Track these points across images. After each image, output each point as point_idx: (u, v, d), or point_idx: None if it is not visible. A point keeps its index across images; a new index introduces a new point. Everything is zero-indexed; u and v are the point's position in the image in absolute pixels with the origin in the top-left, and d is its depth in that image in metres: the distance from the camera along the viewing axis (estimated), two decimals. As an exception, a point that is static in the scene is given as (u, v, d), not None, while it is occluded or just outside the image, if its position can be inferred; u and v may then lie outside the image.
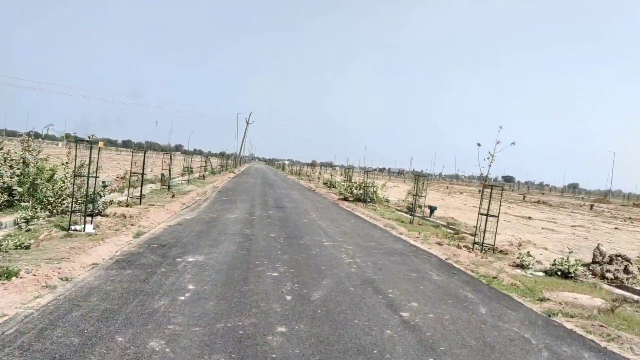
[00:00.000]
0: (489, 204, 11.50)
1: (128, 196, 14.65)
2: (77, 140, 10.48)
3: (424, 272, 8.47)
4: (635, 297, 7.76)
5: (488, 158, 11.56)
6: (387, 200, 24.98)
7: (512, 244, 13.13)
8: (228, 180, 35.72)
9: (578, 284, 8.59)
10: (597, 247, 9.90)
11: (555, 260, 9.57)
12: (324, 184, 40.07)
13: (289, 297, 6.18)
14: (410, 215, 19.45)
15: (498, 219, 11.60)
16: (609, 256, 9.62)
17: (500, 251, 11.74)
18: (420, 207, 21.30)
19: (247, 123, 74.74)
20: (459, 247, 11.67)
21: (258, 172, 66.60)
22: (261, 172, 64.73)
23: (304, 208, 18.51)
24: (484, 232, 11.46)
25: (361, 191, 24.36)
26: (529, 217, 26.37)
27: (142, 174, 16.14)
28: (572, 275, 9.10)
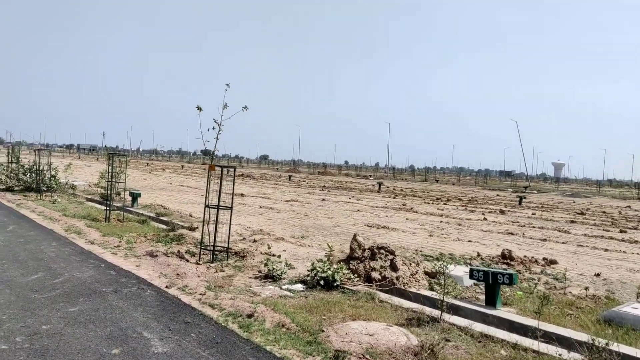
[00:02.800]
0: (220, 192, 8.36)
1: None
2: None
3: (135, 335, 4.69)
4: (427, 309, 5.91)
5: (214, 128, 8.35)
6: (73, 187, 19.30)
7: (244, 238, 10.41)
8: None
9: (351, 298, 6.32)
10: (354, 238, 7.96)
11: (313, 264, 7.14)
12: (-18, 168, 30.15)
13: None
14: (106, 207, 14.83)
15: (232, 210, 8.59)
16: (369, 249, 7.78)
17: (236, 253, 8.81)
18: (118, 194, 16.75)
19: None
20: (180, 256, 8.19)
21: None
22: None
23: None
24: (215, 230, 8.29)
25: (32, 177, 18.02)
26: (242, 194, 24.82)
27: None
28: (338, 283, 6.83)
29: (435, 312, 5.66)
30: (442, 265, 5.71)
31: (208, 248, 8.43)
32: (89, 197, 17.79)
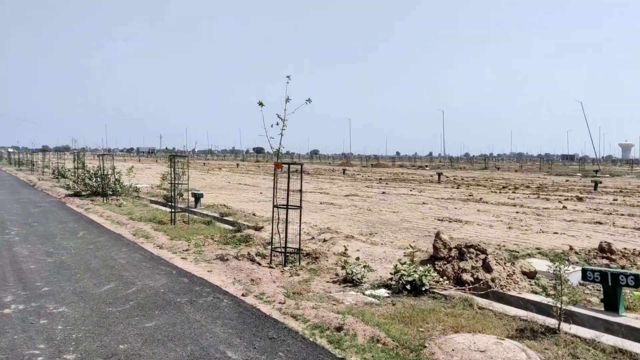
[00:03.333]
0: (288, 191, 7.88)
1: None
2: None
3: (218, 355, 4.23)
4: (537, 317, 5.15)
5: (277, 124, 7.86)
6: (137, 190, 19.57)
7: (312, 237, 9.92)
8: None
9: (445, 305, 5.64)
10: (438, 236, 7.25)
11: (397, 267, 6.51)
12: (52, 174, 31.48)
13: None
14: (171, 209, 14.80)
15: (301, 210, 8.09)
16: (455, 247, 7.05)
17: (308, 254, 8.31)
18: (181, 195, 16.76)
19: None
20: (251, 259, 7.78)
21: (-42, 165, 50.83)
22: (-38, 166, 49.47)
23: (1, 219, 12.00)
24: (286, 230, 7.82)
25: (98, 182, 18.37)
26: (299, 190, 24.47)
27: None
28: (427, 288, 6.17)
29: (549, 321, 4.89)
30: (557, 267, 4.91)
31: (278, 250, 7.98)
32: (153, 199, 17.93)
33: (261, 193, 22.58)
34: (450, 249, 7.10)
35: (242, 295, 6.01)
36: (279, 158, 8.26)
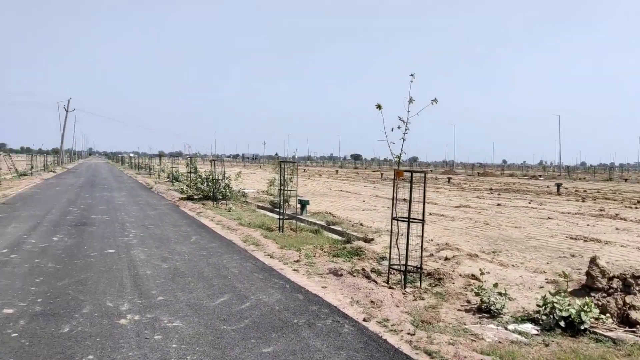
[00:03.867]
0: (410, 202, 7.12)
1: None
2: None
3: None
4: None
5: (399, 127, 7.13)
6: (245, 195, 19.87)
7: (431, 254, 9.03)
8: (36, 184, 27.37)
9: (617, 353, 4.53)
10: (594, 262, 6.06)
11: (546, 298, 5.47)
12: (167, 178, 33.51)
13: None
14: (278, 216, 14.67)
15: (423, 226, 7.29)
16: (618, 277, 5.82)
17: (430, 274, 7.48)
18: (287, 201, 16.66)
19: (67, 111, 62.64)
20: (366, 276, 7.12)
21: (90, 169, 56.40)
22: (92, 169, 54.77)
23: (122, 221, 12.55)
24: (407, 247, 7.06)
25: (209, 186, 18.89)
26: (404, 199, 23.52)
27: None
28: (587, 327, 5.07)
29: None
30: None
31: (396, 267, 7.24)
32: (259, 204, 18.04)
33: (364, 201, 21.96)
34: (610, 279, 5.89)
35: (364, 320, 5.36)
36: (399, 165, 7.53)
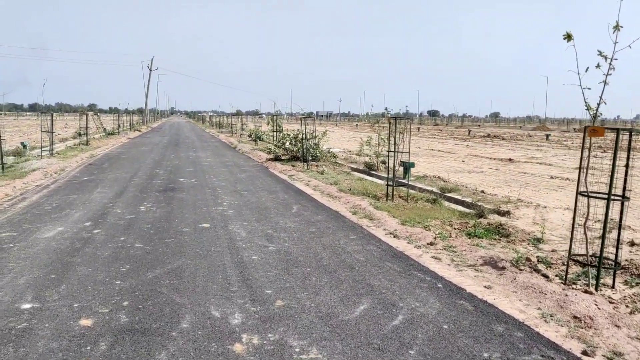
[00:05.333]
0: (627, 172, 5.04)
1: None
2: None
3: None
4: None
5: (598, 66, 4.98)
6: (334, 156, 18.26)
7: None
8: (122, 143, 27.47)
9: None
10: None
11: None
12: (248, 136, 32.69)
13: None
14: (380, 181, 12.91)
15: (622, 204, 5.20)
16: None
17: (623, 268, 5.47)
18: (384, 162, 14.85)
19: (150, 70, 63.67)
20: (535, 269, 5.26)
21: (172, 127, 57.46)
22: (175, 128, 55.70)
23: (212, 185, 11.37)
24: (619, 236, 5.06)
25: (297, 146, 17.45)
26: (510, 159, 20.88)
27: None
28: None
29: None
30: None
31: (578, 259, 5.29)
32: (352, 166, 16.39)
33: (463, 161, 19.68)
34: None
35: (584, 353, 3.54)
36: (594, 122, 5.44)
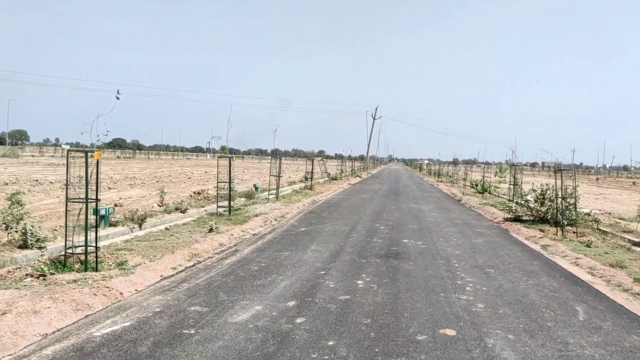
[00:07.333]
0: None
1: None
2: None
3: None
4: None
5: None
6: (596, 220, 13.99)
7: None
8: (344, 189, 27.22)
9: None
10: None
11: None
12: (471, 187, 29.46)
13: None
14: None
15: None
16: None
17: None
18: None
19: (374, 119, 65.48)
20: None
21: (390, 174, 57.32)
22: (393, 175, 55.31)
23: (444, 254, 8.93)
24: None
25: (547, 205, 13.86)
26: None
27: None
28: None
29: None
30: None
31: None
32: (627, 236, 12.11)
33: None
34: None
35: None
36: None
